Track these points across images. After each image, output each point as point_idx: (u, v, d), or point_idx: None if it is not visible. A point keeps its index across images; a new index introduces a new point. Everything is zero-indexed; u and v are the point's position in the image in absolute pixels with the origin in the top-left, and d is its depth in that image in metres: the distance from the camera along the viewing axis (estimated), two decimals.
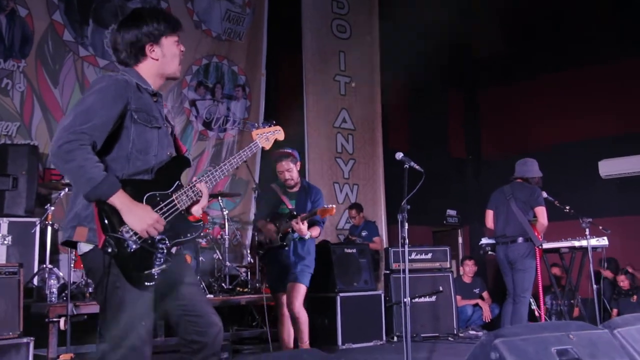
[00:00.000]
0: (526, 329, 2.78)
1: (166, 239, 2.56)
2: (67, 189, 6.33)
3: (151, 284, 2.50)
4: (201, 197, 2.74)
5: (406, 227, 4.39)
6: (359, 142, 9.87)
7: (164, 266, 2.52)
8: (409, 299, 4.36)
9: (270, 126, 3.29)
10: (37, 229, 6.24)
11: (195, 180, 2.74)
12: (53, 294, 5.58)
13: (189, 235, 2.69)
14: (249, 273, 7.75)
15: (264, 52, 9.29)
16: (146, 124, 2.62)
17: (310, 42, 9.53)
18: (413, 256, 7.75)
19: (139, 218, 2.46)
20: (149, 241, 2.50)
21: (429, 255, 7.82)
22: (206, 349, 2.71)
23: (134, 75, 2.70)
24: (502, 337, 2.60)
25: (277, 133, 3.30)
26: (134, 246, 2.45)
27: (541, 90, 11.18)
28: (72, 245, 2.58)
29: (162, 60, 2.75)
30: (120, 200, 2.44)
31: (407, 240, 4.38)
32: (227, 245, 7.06)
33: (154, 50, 2.72)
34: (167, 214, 2.59)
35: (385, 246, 8.90)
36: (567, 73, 10.82)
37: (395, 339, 7.12)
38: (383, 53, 10.33)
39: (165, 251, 2.53)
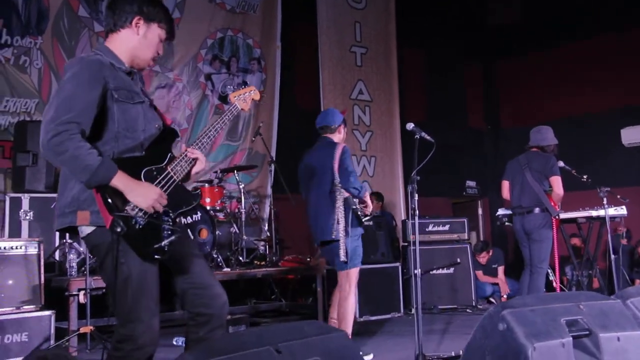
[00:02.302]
0: (535, 300, 2.76)
1: (170, 211, 2.57)
2: None
3: (162, 257, 2.51)
4: (195, 164, 2.76)
5: (416, 198, 4.37)
6: (376, 114, 9.81)
7: (172, 238, 2.53)
8: (419, 270, 4.33)
9: (244, 87, 3.25)
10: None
11: (186, 149, 2.73)
12: (73, 269, 5.66)
13: (190, 204, 2.70)
14: (267, 246, 7.79)
15: (279, 24, 9.20)
16: (128, 101, 2.61)
17: (325, 13, 9.44)
18: (430, 228, 7.74)
19: (143, 195, 2.48)
20: (154, 215, 2.52)
21: (447, 227, 7.79)
22: (212, 320, 2.74)
23: (108, 53, 2.69)
24: (510, 308, 2.59)
25: (253, 93, 3.25)
26: (142, 222, 2.47)
27: (560, 59, 10.98)
28: (70, 230, 2.61)
29: (142, 40, 2.73)
30: (121, 181, 2.44)
31: (417, 212, 4.36)
32: (243, 219, 7.08)
33: (139, 25, 2.71)
34: (165, 187, 2.60)
35: (402, 218, 8.88)
36: (585, 42, 10.61)
37: (413, 311, 7.11)
38: (399, 23, 10.20)
39: (171, 223, 2.55)
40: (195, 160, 2.75)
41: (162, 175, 2.61)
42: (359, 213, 4.73)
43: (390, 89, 10.05)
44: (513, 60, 11.74)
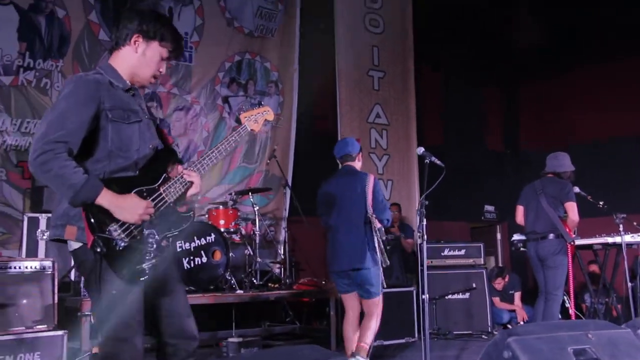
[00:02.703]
0: (541, 328, 2.72)
1: (155, 233, 2.56)
2: None
3: (143, 278, 2.51)
4: (190, 186, 2.75)
5: (424, 223, 4.34)
6: (393, 137, 9.79)
7: (154, 261, 2.53)
8: (427, 296, 4.29)
9: (258, 107, 3.17)
10: None
11: (183, 171, 2.72)
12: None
13: (180, 227, 2.69)
14: (281, 269, 7.78)
15: (297, 47, 9.29)
16: (123, 121, 2.62)
17: (343, 37, 9.50)
18: (446, 252, 7.68)
19: (129, 210, 2.49)
20: (138, 237, 2.52)
21: (462, 252, 7.73)
22: (178, 353, 2.72)
23: (109, 71, 2.71)
24: (515, 335, 2.56)
25: (266, 114, 3.13)
26: (122, 244, 2.47)
27: (582, 82, 10.90)
28: (62, 241, 2.62)
29: (140, 58, 2.74)
30: (106, 199, 2.45)
31: (425, 236, 4.34)
32: (258, 241, 7.09)
33: (138, 43, 2.73)
34: (155, 208, 2.59)
35: (419, 242, 8.82)
36: (608, 65, 10.52)
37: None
38: (417, 46, 10.23)
39: (155, 246, 2.55)
40: (191, 182, 2.74)
41: (153, 196, 2.61)
42: (384, 242, 4.83)
43: (407, 113, 10.05)
44: (534, 82, 11.68)
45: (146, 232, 2.54)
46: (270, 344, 6.80)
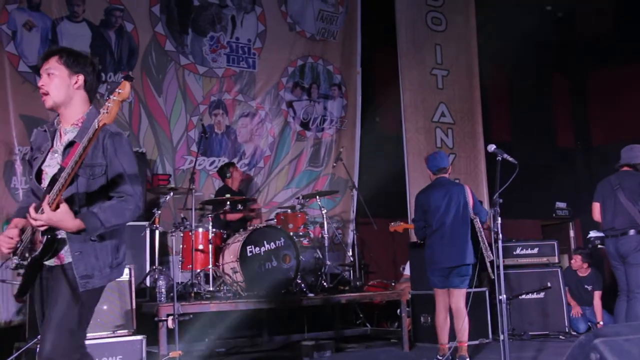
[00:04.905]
0: (630, 329, 2.61)
1: (24, 256, 2.82)
2: (172, 194, 6.60)
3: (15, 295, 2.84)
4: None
5: (499, 221, 4.26)
6: (458, 136, 9.65)
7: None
8: (504, 296, 4.20)
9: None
10: (147, 232, 6.55)
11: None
12: (162, 294, 5.83)
13: (35, 252, 2.79)
14: (350, 271, 7.78)
15: (359, 49, 9.27)
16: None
17: (405, 37, 9.42)
18: (518, 251, 7.51)
19: None
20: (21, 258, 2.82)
21: (536, 250, 7.53)
22: None
23: None
24: (602, 337, 2.46)
25: (120, 94, 2.52)
26: (11, 266, 2.88)
27: None
28: None
29: None
30: None
31: (500, 235, 4.25)
32: (327, 245, 7.10)
33: None
34: (32, 231, 2.80)
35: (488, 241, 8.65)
36: None
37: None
38: (481, 41, 10.06)
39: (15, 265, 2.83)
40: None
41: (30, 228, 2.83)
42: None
43: (472, 110, 9.88)
44: (605, 73, 11.20)
45: (25, 256, 2.80)
46: (342, 347, 6.81)
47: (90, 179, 2.80)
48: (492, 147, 4.57)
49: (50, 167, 2.81)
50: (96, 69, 3.01)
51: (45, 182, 2.79)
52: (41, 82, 2.87)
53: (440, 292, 5.71)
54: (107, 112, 2.51)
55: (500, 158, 4.52)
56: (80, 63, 2.93)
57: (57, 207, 2.61)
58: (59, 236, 2.74)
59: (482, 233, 5.70)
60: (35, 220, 2.63)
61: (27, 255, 2.76)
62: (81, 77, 2.91)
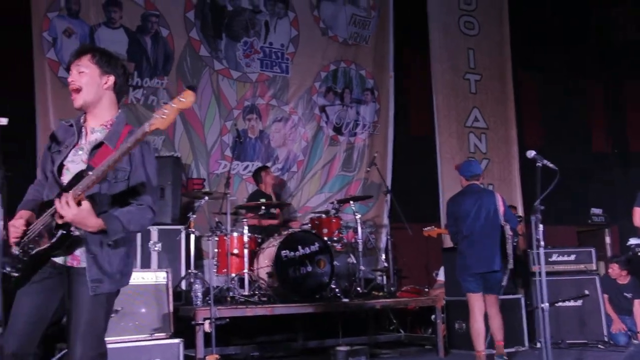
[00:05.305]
0: None
1: (30, 248, 2.74)
2: (206, 197, 6.64)
3: (12, 286, 2.73)
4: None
5: (541, 228, 4.21)
6: (492, 141, 9.60)
7: (18, 272, 2.72)
8: (547, 304, 4.14)
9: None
10: (183, 235, 6.60)
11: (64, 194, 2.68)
12: (198, 298, 5.86)
13: (45, 245, 2.72)
14: (384, 277, 7.74)
15: (391, 54, 9.25)
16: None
17: (437, 41, 9.41)
18: (555, 258, 7.40)
19: None
20: (24, 249, 2.74)
21: (572, 257, 7.42)
22: None
23: None
24: None
25: (181, 102, 2.52)
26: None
27: None
28: None
29: None
30: None
31: (542, 243, 4.20)
32: (361, 250, 7.08)
33: None
34: (39, 227, 2.74)
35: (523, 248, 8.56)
36: None
37: (539, 345, 6.80)
38: (514, 46, 9.98)
39: (23, 259, 2.76)
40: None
41: (41, 217, 2.75)
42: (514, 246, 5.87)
43: (506, 115, 9.82)
44: None
45: (30, 248, 2.73)
46: (376, 353, 6.77)
47: (112, 182, 2.78)
48: (532, 153, 4.54)
49: (74, 163, 2.80)
50: (126, 72, 3.01)
51: (65, 177, 2.76)
52: (71, 78, 2.85)
53: (475, 296, 5.73)
54: (162, 117, 2.50)
55: (540, 164, 4.48)
56: (112, 64, 2.91)
57: (79, 204, 2.59)
58: (75, 233, 2.70)
59: (511, 240, 5.74)
60: (62, 213, 2.59)
61: (30, 247, 2.70)
62: (112, 78, 2.89)
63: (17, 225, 2.74)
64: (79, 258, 2.75)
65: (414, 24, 9.46)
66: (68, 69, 2.88)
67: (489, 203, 5.74)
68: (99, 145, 2.80)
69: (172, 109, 2.51)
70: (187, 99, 2.51)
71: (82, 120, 2.90)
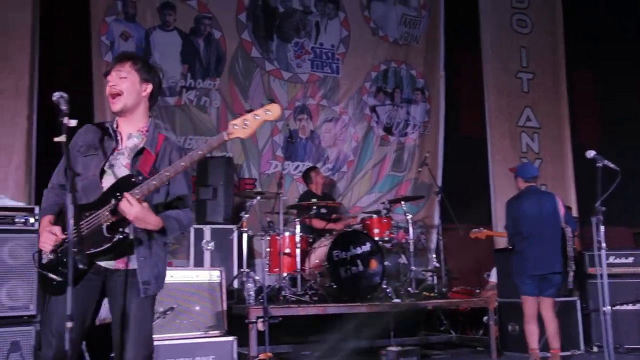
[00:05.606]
0: None
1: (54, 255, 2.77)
2: (259, 197, 6.71)
3: (52, 291, 2.77)
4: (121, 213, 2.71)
5: (602, 230, 4.12)
6: (545, 141, 9.43)
7: (60, 277, 2.72)
8: (609, 307, 4.05)
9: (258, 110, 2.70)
10: (235, 235, 6.69)
11: (121, 196, 2.69)
12: (251, 297, 5.94)
13: (99, 247, 2.71)
14: (434, 277, 7.69)
15: (442, 53, 9.17)
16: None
17: (489, 40, 9.30)
18: (611, 260, 7.20)
19: (40, 237, 2.80)
20: (60, 254, 2.74)
21: (631, 259, 7.22)
22: None
23: None
24: None
25: (269, 114, 2.62)
26: (45, 260, 2.79)
27: None
28: None
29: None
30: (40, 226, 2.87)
31: (603, 245, 4.11)
32: (412, 250, 7.05)
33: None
34: (83, 229, 2.71)
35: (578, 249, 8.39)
36: None
37: (595, 349, 6.67)
38: (567, 44, 9.78)
39: (69, 263, 2.70)
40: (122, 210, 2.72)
41: (83, 220, 2.73)
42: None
43: (559, 114, 9.64)
44: None
45: (77, 252, 2.68)
46: (428, 354, 6.73)
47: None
48: (591, 153, 4.46)
49: (115, 167, 2.84)
50: (161, 83, 3.08)
51: (106, 181, 2.80)
52: (112, 82, 2.88)
53: (530, 299, 5.69)
54: (243, 128, 2.58)
55: (600, 164, 4.39)
56: (151, 73, 2.99)
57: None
58: (130, 237, 2.76)
59: (572, 242, 5.74)
60: (126, 210, 2.65)
61: (77, 251, 2.67)
62: (150, 87, 2.96)
63: (55, 231, 2.75)
64: (125, 261, 2.80)
65: (465, 23, 9.35)
66: (107, 74, 2.93)
67: (549, 205, 5.74)
68: (140, 151, 2.87)
69: (254, 120, 2.58)
70: (273, 112, 2.59)
71: (115, 125, 2.94)
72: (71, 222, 2.54)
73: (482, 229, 6.82)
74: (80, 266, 2.62)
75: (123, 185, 2.72)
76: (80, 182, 2.81)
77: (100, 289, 2.82)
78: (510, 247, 5.92)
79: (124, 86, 2.88)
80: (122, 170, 2.83)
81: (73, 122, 2.78)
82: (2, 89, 6.32)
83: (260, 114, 2.58)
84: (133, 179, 2.75)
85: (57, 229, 2.74)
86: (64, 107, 2.66)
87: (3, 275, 4.48)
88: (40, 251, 2.79)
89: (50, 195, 2.93)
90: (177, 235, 2.92)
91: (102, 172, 2.83)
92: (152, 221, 2.73)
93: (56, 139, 2.77)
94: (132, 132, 2.93)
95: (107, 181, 2.79)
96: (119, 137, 2.91)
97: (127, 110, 2.91)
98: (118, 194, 2.69)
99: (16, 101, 6.37)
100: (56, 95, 2.65)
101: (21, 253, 4.53)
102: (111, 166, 2.84)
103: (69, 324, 2.46)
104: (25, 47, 6.48)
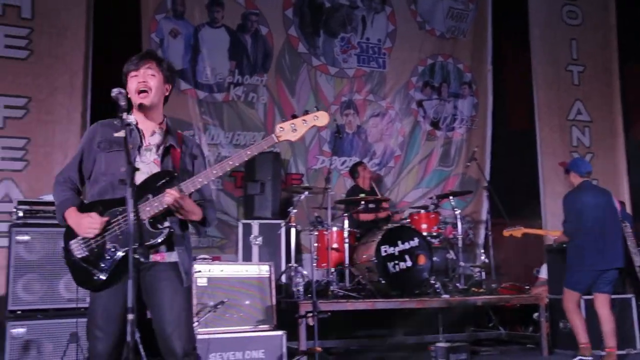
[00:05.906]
0: None
1: (117, 247, 2.74)
2: (306, 192, 6.72)
3: (92, 287, 2.78)
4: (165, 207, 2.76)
5: None
6: (596, 135, 9.22)
7: (103, 273, 2.73)
8: None
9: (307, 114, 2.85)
10: (283, 230, 6.73)
11: (167, 191, 2.74)
12: (300, 292, 5.97)
13: (145, 241, 2.73)
14: (483, 273, 7.60)
15: (490, 46, 9.05)
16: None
17: (538, 32, 9.12)
18: None
19: (77, 225, 2.76)
20: (96, 250, 2.74)
21: None
22: None
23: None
24: None
25: (317, 120, 2.79)
26: (79, 256, 2.76)
27: None
28: None
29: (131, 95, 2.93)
30: (70, 219, 2.81)
31: None
32: (460, 245, 7.00)
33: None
34: (122, 224, 2.73)
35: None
36: None
37: None
38: (620, 36, 9.53)
39: (110, 258, 2.72)
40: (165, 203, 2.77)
41: (119, 215, 2.75)
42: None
43: (611, 108, 9.40)
44: None
45: (108, 246, 2.74)
46: (477, 350, 6.68)
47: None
48: None
49: (144, 163, 2.88)
50: (174, 88, 3.16)
51: (137, 177, 2.80)
52: (142, 78, 2.92)
53: (577, 295, 5.69)
54: (292, 132, 2.70)
55: None
56: (172, 75, 3.10)
57: None
58: (174, 230, 2.84)
59: (631, 238, 5.75)
60: (174, 202, 2.73)
61: (113, 247, 2.74)
62: (170, 88, 3.07)
63: (95, 220, 2.75)
64: (163, 253, 2.86)
65: (513, 15, 9.19)
66: (133, 70, 2.95)
67: (607, 200, 5.77)
68: (168, 147, 2.96)
69: (303, 125, 2.70)
70: (322, 119, 2.72)
71: (135, 122, 2.96)
72: (132, 215, 2.59)
73: (517, 226, 6.66)
74: (142, 259, 2.68)
75: (156, 180, 2.81)
76: (105, 177, 2.85)
77: (138, 282, 2.84)
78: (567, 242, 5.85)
79: (153, 83, 2.95)
80: (152, 166, 2.90)
81: (132, 118, 2.85)
82: (58, 86, 6.46)
83: (309, 120, 2.70)
84: (175, 174, 2.85)
85: (94, 215, 2.76)
86: (122, 103, 2.76)
87: (62, 268, 4.59)
88: (67, 245, 2.81)
89: (62, 188, 2.94)
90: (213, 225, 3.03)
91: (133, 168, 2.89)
92: (198, 212, 2.89)
93: (116, 134, 2.88)
94: (153, 128, 3.00)
95: (138, 177, 2.81)
96: (141, 134, 2.97)
97: (153, 107, 2.97)
98: (158, 187, 2.78)
99: (71, 98, 6.51)
100: (115, 92, 2.75)
101: None
102: (140, 162, 2.89)
103: (130, 316, 2.50)
104: (79, 45, 6.62)
